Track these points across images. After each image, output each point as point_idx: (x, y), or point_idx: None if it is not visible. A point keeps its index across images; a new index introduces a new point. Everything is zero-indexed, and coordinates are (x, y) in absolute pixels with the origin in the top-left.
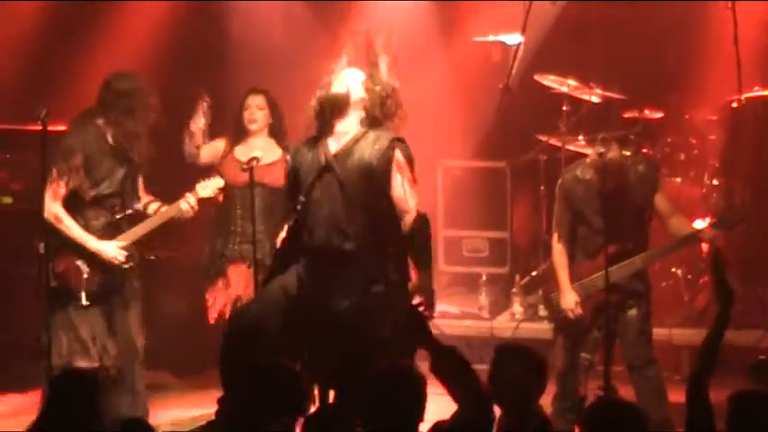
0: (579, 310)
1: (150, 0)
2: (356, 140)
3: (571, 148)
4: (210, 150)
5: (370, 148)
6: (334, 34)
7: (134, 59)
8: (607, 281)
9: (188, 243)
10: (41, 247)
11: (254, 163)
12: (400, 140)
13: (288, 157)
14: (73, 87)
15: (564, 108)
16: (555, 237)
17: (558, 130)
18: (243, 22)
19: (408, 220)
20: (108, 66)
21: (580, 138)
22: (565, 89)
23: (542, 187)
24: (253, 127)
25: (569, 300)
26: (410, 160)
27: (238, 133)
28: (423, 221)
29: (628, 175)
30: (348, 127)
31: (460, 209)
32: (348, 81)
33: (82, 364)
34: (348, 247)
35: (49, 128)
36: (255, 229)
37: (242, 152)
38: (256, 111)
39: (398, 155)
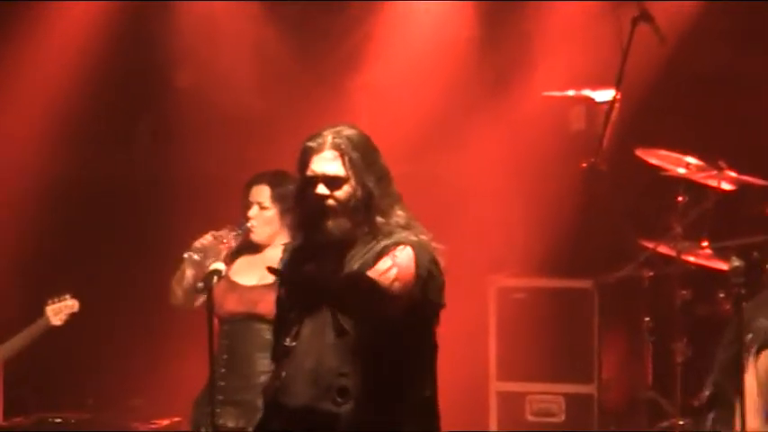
0: None
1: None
2: (361, 250)
3: (691, 259)
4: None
5: (375, 255)
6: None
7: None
8: None
9: None
10: None
11: (214, 280)
12: (419, 244)
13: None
14: None
15: (679, 199)
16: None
17: (671, 233)
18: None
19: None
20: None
21: (704, 244)
22: (681, 171)
23: (647, 318)
24: (253, 236)
25: None
26: (426, 263)
27: (242, 241)
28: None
29: None
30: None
31: (522, 350)
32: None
33: None
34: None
35: None
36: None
37: (244, 267)
38: (258, 212)
39: (402, 249)
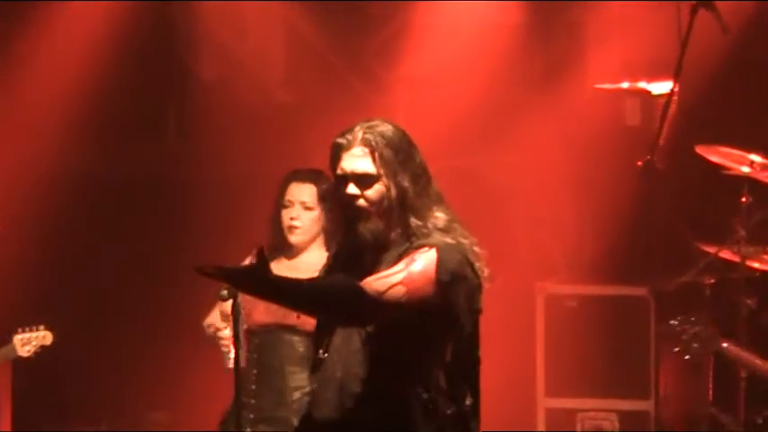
0: None
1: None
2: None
3: (756, 265)
4: None
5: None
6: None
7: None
8: None
9: None
10: None
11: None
12: (456, 248)
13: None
14: None
15: (743, 200)
16: None
17: (735, 236)
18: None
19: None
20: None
21: None
22: (745, 169)
23: None
24: (294, 239)
25: None
26: (450, 271)
27: (275, 242)
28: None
29: None
30: None
31: (573, 363)
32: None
33: None
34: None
35: None
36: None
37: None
38: (302, 212)
39: (426, 251)
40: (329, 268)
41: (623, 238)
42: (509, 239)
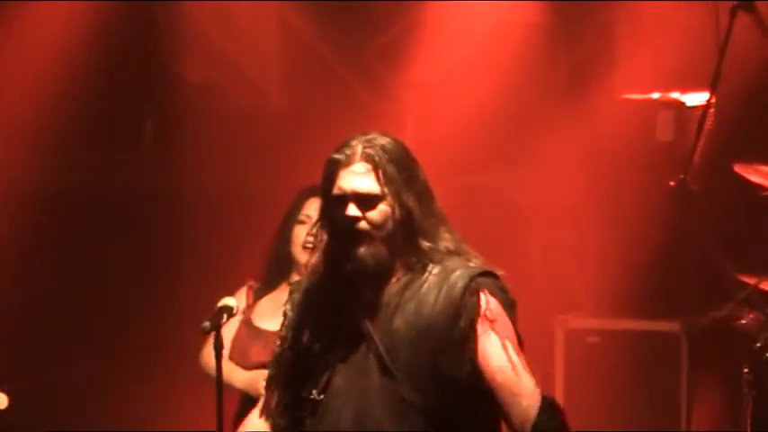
0: None
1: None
2: (410, 282)
3: None
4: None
5: (436, 292)
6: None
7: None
8: None
9: None
10: None
11: (224, 319)
12: (490, 276)
13: (287, 308)
14: None
15: None
16: None
17: None
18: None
19: (526, 410)
20: None
21: None
22: None
23: (746, 369)
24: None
25: None
26: (510, 306)
27: (278, 262)
28: (551, 412)
29: None
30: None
31: (595, 405)
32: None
33: None
34: None
35: None
36: None
37: (268, 310)
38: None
39: (488, 301)
40: (308, 302)
41: (653, 267)
42: (526, 267)
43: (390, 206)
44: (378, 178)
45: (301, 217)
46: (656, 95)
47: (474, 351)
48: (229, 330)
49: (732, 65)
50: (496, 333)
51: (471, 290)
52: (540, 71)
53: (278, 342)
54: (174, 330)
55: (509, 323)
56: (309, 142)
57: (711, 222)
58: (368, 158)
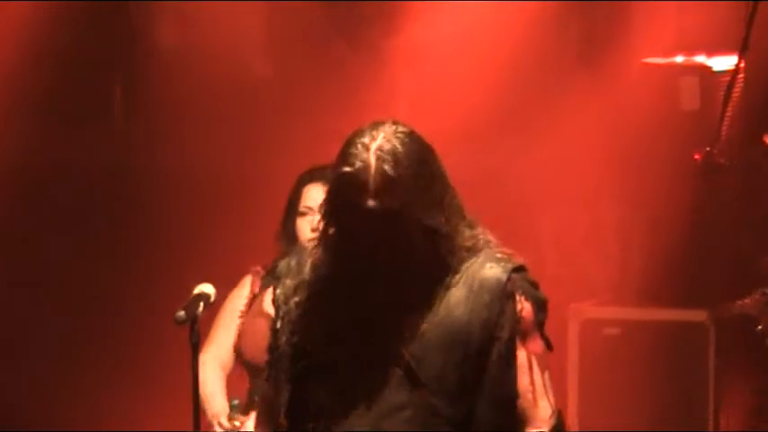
0: None
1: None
2: (435, 282)
3: None
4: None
5: (466, 292)
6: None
7: None
8: None
9: None
10: None
11: (200, 308)
12: (520, 271)
13: (268, 307)
14: None
15: None
16: None
17: None
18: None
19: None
20: None
21: None
22: None
23: None
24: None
25: None
26: (542, 308)
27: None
28: (557, 424)
29: None
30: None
31: (612, 401)
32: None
33: None
34: None
35: None
36: None
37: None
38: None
39: (523, 307)
40: (312, 299)
41: (677, 251)
42: (538, 252)
43: (410, 220)
44: (395, 197)
45: (302, 209)
46: (679, 59)
47: (514, 366)
48: (248, 325)
49: (763, 25)
50: (525, 348)
51: (507, 293)
52: (551, 36)
53: (273, 335)
54: (153, 318)
55: (537, 333)
56: (294, 112)
57: (741, 201)
58: (383, 177)
